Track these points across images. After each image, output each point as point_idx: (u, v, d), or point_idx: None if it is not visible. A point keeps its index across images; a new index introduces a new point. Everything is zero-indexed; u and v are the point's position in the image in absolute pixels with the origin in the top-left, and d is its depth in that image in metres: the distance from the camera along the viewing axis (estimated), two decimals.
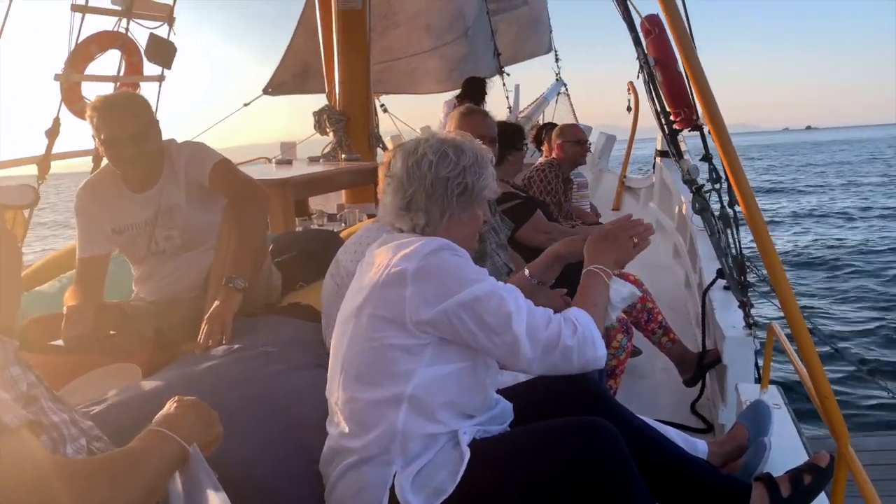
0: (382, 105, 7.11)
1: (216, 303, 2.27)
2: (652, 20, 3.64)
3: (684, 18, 1.55)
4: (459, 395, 1.54)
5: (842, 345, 7.07)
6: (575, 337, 1.50)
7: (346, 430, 1.53)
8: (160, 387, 1.85)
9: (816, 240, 15.84)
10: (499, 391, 1.75)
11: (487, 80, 7.15)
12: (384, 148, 5.20)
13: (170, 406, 1.28)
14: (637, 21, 3.59)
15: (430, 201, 1.58)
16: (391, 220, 1.65)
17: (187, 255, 2.56)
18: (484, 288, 1.47)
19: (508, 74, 7.97)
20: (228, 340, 2.18)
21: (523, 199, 3.26)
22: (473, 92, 7.01)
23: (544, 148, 4.56)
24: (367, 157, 4.88)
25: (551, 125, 4.80)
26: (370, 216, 4.11)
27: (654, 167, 6.62)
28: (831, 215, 20.29)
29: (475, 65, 7.43)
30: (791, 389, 5.05)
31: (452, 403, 1.54)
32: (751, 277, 3.23)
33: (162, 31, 4.57)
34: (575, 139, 4.34)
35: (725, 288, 3.40)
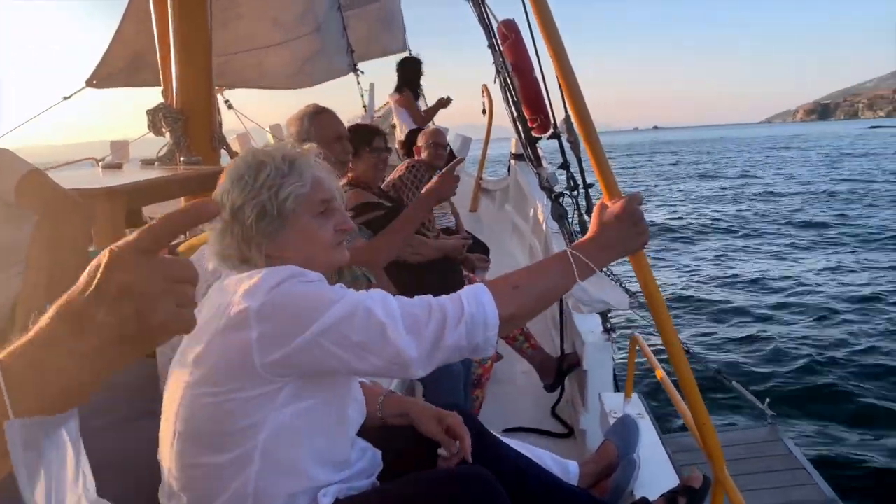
0: (227, 101, 6.63)
1: None
2: (509, 25, 3.60)
3: (555, 21, 1.44)
4: (319, 437, 1.34)
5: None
6: (461, 324, 1.28)
7: (185, 500, 1.29)
8: None
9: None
10: (365, 434, 1.57)
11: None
12: (229, 149, 4.79)
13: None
14: (494, 25, 3.54)
15: (234, 236, 1.35)
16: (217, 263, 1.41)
17: None
18: (344, 307, 1.25)
19: (363, 73, 7.77)
20: None
21: (386, 210, 3.08)
22: (409, 75, 6.72)
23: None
24: (209, 159, 4.44)
25: (419, 130, 4.73)
26: None
27: (508, 169, 6.71)
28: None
29: (328, 61, 7.14)
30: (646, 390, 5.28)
31: (311, 450, 1.33)
32: None
33: None
34: (437, 141, 4.30)
35: None
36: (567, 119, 3.01)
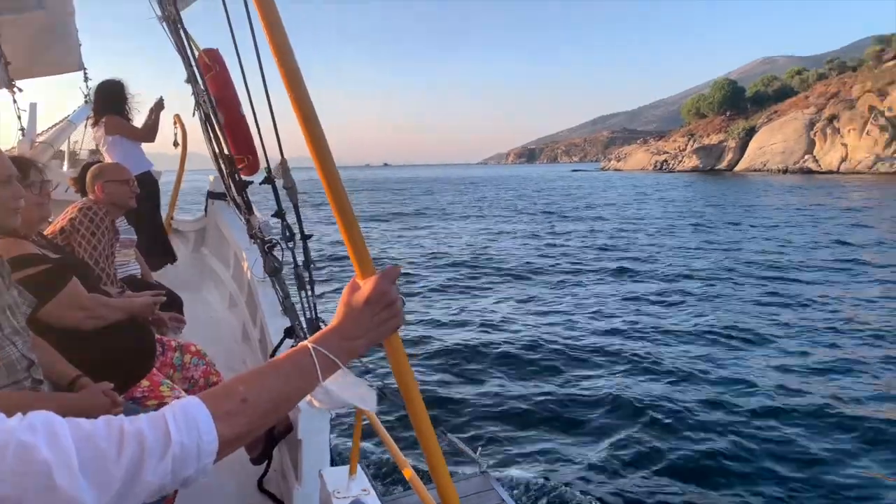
0: None
1: None
2: (212, 55, 3.22)
3: (293, 51, 1.21)
4: None
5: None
6: (166, 458, 0.93)
7: None
8: None
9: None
10: None
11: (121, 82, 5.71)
12: None
13: None
14: (195, 54, 3.14)
15: None
16: None
17: None
18: None
19: (20, 90, 6.51)
20: None
21: (52, 264, 2.44)
22: (114, 98, 5.57)
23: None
24: None
25: (93, 164, 3.94)
26: None
27: (205, 209, 6.14)
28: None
29: None
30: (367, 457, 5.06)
31: None
32: None
33: None
34: (119, 178, 3.62)
35: None
36: (283, 163, 2.75)
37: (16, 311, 2.06)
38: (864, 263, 16.73)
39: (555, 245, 21.78)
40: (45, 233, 3.24)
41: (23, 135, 6.89)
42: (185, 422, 0.96)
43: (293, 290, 3.15)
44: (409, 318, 11.50)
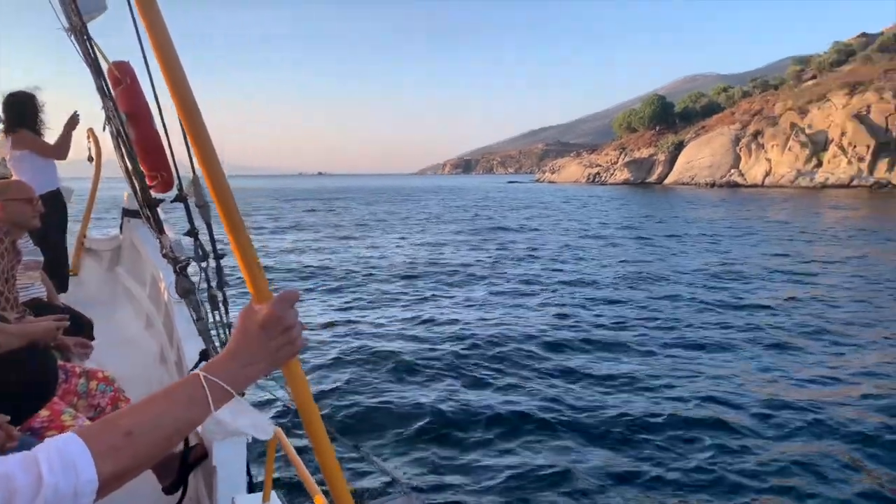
0: None
1: None
2: (122, 68, 3.09)
3: (181, 65, 1.16)
4: None
5: None
6: (37, 501, 0.87)
7: None
8: None
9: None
10: None
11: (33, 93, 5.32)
12: None
13: None
14: (104, 66, 3.02)
15: None
16: None
17: None
18: None
19: None
20: None
21: None
22: (24, 112, 5.21)
23: None
24: None
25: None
26: None
27: (121, 227, 5.91)
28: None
29: None
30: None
31: None
32: None
33: None
34: (22, 196, 3.43)
35: None
36: (196, 181, 2.65)
37: None
38: (809, 273, 17.27)
39: (497, 257, 21.92)
40: None
41: None
42: (59, 461, 0.90)
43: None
44: (346, 329, 11.37)
